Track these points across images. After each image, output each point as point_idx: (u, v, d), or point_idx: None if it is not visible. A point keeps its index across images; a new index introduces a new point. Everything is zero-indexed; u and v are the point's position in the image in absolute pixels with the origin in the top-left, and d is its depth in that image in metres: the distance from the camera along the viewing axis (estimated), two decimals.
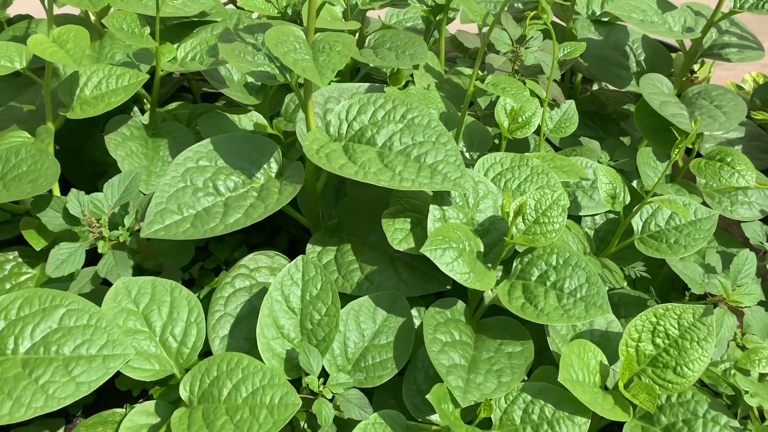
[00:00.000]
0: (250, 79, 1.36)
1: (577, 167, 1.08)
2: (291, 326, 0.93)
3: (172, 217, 0.96)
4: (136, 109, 1.45)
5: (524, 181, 1.05)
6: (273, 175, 1.04)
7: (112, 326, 0.85)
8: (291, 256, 1.30)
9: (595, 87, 1.72)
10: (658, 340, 0.87)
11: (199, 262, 1.21)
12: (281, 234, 1.35)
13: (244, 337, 1.01)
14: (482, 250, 0.93)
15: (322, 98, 1.12)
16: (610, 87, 1.63)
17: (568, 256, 0.90)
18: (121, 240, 1.03)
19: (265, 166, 1.04)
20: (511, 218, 0.88)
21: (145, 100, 1.48)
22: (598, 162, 1.19)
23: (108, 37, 1.35)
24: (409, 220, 1.00)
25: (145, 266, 1.12)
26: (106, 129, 1.23)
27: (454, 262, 0.86)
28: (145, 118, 1.39)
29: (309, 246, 1.08)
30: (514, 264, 0.94)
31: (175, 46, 1.34)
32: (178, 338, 0.93)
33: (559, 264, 0.90)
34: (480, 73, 1.35)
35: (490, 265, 0.93)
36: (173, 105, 1.45)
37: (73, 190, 1.03)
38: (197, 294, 1.21)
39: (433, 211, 0.96)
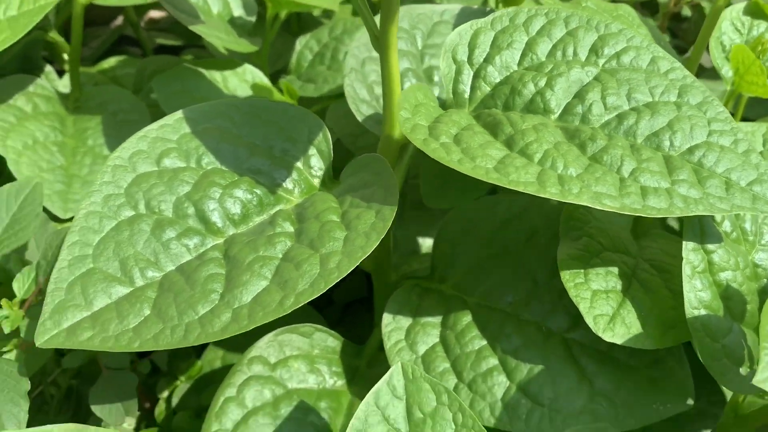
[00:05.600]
0: (237, 13, 0.82)
1: None
2: None
3: (111, 290, 0.42)
4: (50, 69, 0.90)
5: None
6: (316, 182, 0.51)
7: None
8: (343, 324, 0.78)
9: None
10: None
11: None
12: None
13: None
14: None
15: (406, 21, 0.60)
16: None
17: None
18: (6, 328, 0.49)
19: (299, 164, 0.51)
20: None
21: (66, 55, 0.92)
22: None
23: None
24: (615, 271, 0.48)
25: (65, 364, 0.58)
26: None
27: None
28: (65, 83, 0.84)
29: (387, 318, 0.55)
30: None
31: None
32: None
33: None
34: None
35: None
36: (112, 61, 0.90)
37: None
38: (168, 391, 0.67)
39: (690, 254, 0.44)
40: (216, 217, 0.46)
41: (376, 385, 0.43)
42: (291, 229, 0.45)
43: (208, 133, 0.50)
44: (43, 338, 0.40)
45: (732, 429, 0.51)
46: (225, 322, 0.40)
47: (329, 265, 0.41)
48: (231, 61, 0.78)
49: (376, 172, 0.47)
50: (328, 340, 0.58)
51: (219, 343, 0.70)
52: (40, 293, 0.52)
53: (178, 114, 0.50)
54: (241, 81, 0.78)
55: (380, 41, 0.48)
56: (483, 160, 0.40)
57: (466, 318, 0.54)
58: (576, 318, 0.52)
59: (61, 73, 0.89)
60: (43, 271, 0.50)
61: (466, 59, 0.48)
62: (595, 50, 0.47)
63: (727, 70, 0.62)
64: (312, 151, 0.51)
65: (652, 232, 0.56)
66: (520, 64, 0.48)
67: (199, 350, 0.70)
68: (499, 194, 0.61)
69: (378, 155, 0.48)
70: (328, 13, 0.99)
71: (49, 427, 0.43)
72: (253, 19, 0.81)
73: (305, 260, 0.42)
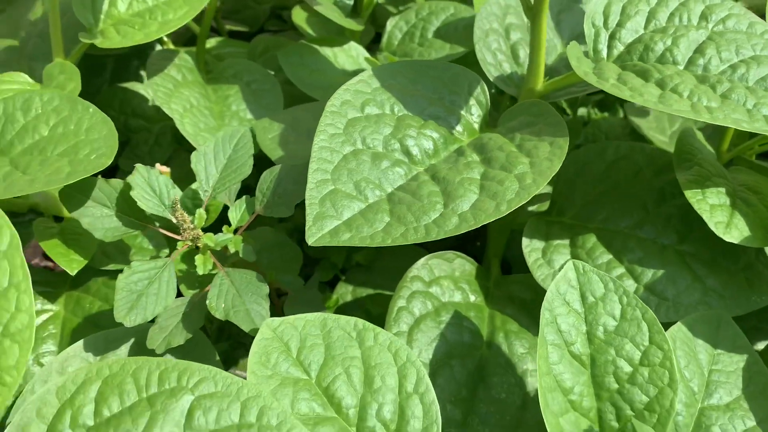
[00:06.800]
0: None
1: None
2: (582, 386, 0.53)
3: (352, 205, 0.53)
4: (159, 48, 1.00)
5: None
6: (476, 126, 0.62)
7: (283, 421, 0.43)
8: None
9: None
10: None
11: (314, 277, 0.78)
12: None
13: (451, 400, 0.60)
14: None
15: (495, 6, 0.71)
16: None
17: None
18: (231, 249, 0.59)
19: (463, 112, 0.62)
20: None
21: (165, 37, 1.01)
22: None
23: None
24: (723, 191, 0.61)
25: None
26: (148, 68, 0.78)
27: None
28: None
29: (525, 242, 0.67)
30: None
31: None
32: (391, 425, 0.51)
33: None
34: None
35: None
36: (212, 41, 1.00)
37: (140, 166, 0.59)
38: None
39: None
40: (416, 152, 0.57)
41: (556, 278, 0.55)
42: (478, 158, 0.57)
43: (393, 88, 0.61)
44: (313, 239, 0.51)
45: None
46: (456, 223, 0.51)
47: (526, 181, 0.53)
48: (339, 39, 0.89)
49: (536, 114, 0.59)
50: (466, 265, 0.70)
51: (348, 280, 0.81)
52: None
53: (368, 72, 0.61)
54: (348, 57, 0.89)
55: (533, 11, 0.60)
56: (648, 96, 0.53)
57: (592, 239, 0.66)
58: (683, 234, 0.65)
59: None
60: (259, 202, 0.61)
61: (601, 24, 0.61)
62: (704, 17, 0.60)
63: None
64: (472, 101, 0.63)
65: (733, 167, 0.70)
66: (646, 27, 0.60)
67: (332, 285, 0.81)
68: (601, 142, 0.74)
69: (539, 100, 0.60)
70: (392, 2, 1.10)
71: (302, 315, 0.54)
72: (352, 1, 0.92)
73: (505, 179, 0.54)
